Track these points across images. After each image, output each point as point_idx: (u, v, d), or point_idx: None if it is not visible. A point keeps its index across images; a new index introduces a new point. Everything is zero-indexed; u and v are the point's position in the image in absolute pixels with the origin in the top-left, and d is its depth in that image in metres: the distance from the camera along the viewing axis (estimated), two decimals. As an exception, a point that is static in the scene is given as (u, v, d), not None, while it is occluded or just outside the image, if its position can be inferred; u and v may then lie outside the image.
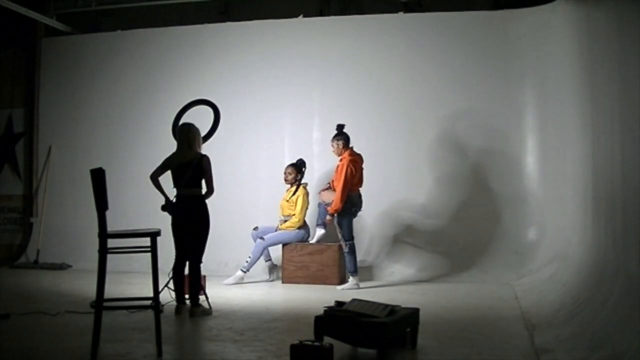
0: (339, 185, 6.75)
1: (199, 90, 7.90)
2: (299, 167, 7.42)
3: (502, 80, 7.68)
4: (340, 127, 6.99)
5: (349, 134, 6.99)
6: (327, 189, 7.12)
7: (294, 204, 7.25)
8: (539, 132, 7.59)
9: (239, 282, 7.03)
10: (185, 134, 5.58)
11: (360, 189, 6.94)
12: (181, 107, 6.59)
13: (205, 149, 6.67)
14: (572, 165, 6.75)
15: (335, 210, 6.76)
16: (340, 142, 6.92)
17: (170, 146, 6.61)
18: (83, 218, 8.01)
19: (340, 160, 6.89)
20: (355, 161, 6.86)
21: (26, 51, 9.29)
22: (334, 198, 6.85)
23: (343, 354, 4.05)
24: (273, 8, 8.56)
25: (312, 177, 7.70)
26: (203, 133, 6.33)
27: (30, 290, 6.75)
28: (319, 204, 7.17)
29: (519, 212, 7.51)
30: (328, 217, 6.92)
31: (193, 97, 7.34)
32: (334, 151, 7.00)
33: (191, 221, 5.44)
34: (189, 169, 5.44)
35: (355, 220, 7.00)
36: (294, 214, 7.25)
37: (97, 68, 8.86)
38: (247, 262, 7.08)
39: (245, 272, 7.07)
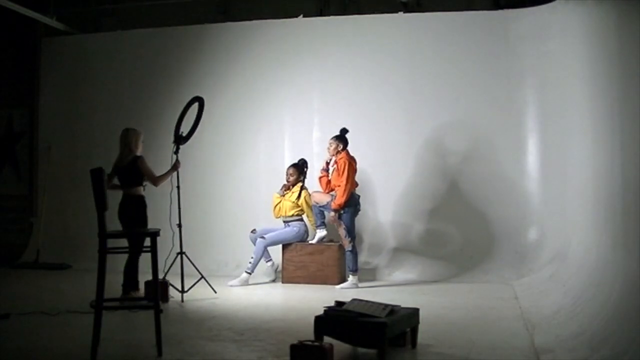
0: (342, 181, 6.75)
1: (199, 91, 7.84)
2: (300, 168, 7.42)
3: (502, 80, 7.67)
4: (344, 131, 7.00)
5: (349, 133, 7.00)
6: (318, 191, 7.18)
7: (297, 205, 7.25)
8: (539, 132, 7.59)
9: (244, 284, 6.96)
10: (122, 138, 6.19)
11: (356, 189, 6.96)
12: (179, 112, 6.71)
13: (206, 149, 6.69)
14: (572, 165, 6.74)
15: (339, 205, 6.76)
16: (341, 145, 6.94)
17: (168, 144, 6.66)
18: (83, 218, 8.00)
19: (336, 161, 6.91)
20: (354, 160, 6.90)
21: (26, 51, 9.29)
22: (326, 199, 6.92)
23: (343, 354, 4.05)
24: (273, 8, 8.56)
25: (312, 177, 7.70)
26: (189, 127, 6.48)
27: (30, 290, 6.74)
28: (313, 206, 7.17)
29: (519, 212, 7.50)
30: (332, 214, 6.90)
31: (193, 96, 7.30)
32: (328, 149, 7.01)
33: (129, 217, 5.91)
34: (127, 170, 6.01)
35: (355, 219, 7.01)
36: (297, 213, 7.26)
37: (97, 68, 8.86)
38: (250, 263, 7.02)
39: (250, 273, 6.99)
